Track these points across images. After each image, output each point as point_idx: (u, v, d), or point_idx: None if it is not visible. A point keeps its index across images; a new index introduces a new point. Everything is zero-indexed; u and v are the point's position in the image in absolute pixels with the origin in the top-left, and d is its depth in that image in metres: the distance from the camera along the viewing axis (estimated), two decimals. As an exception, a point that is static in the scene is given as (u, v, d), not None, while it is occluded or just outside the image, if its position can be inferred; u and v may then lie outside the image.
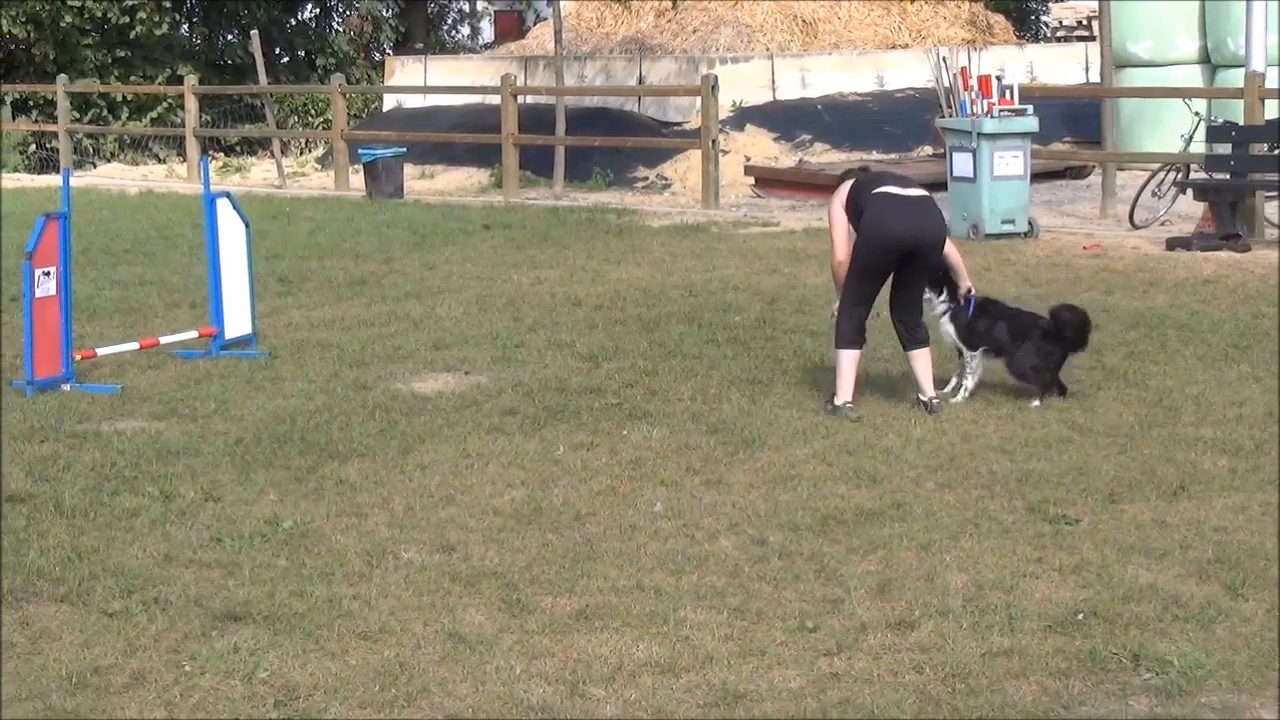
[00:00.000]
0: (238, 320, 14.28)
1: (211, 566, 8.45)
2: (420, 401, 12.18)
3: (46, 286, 12.77)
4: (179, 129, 35.53)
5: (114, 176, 34.94)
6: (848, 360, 11.76)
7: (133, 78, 40.49)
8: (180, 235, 22.10)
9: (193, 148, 33.34)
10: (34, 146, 39.24)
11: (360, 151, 29.21)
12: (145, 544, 8.81)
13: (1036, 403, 11.78)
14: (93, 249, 20.54)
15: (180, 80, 35.78)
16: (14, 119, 38.84)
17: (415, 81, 35.75)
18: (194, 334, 14.19)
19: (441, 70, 36.01)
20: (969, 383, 12.08)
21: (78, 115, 37.89)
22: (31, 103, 39.38)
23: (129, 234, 22.83)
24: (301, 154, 37.16)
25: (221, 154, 38.18)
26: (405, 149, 28.87)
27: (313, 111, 41.75)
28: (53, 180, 32.66)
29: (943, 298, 12.15)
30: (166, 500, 9.63)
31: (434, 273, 18.47)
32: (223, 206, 14.40)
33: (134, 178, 34.62)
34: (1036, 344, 11.87)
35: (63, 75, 36.39)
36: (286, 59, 44.92)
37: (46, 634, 7.50)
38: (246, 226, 14.63)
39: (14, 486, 9.96)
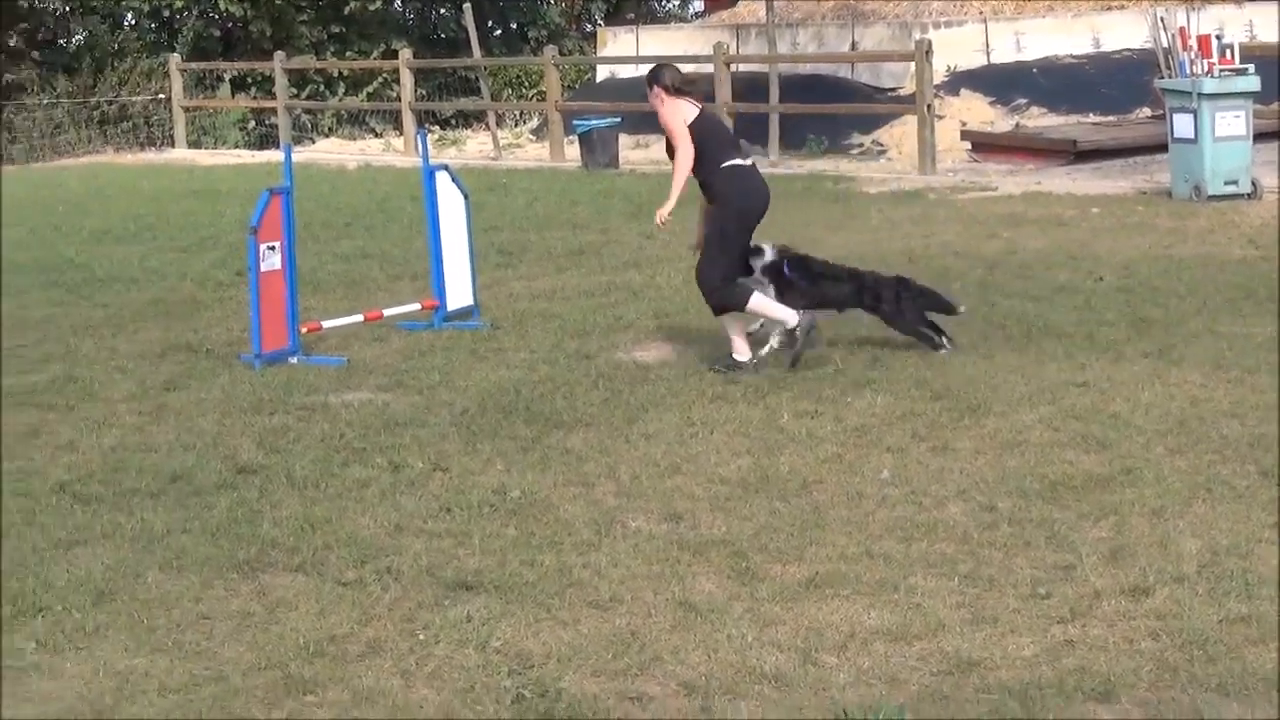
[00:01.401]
0: (459, 292, 14.39)
1: (441, 536, 8.51)
2: (643, 370, 12.20)
3: (272, 261, 12.95)
4: (395, 103, 35.88)
5: (332, 151, 35.39)
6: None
7: (348, 53, 41.00)
8: (399, 208, 22.32)
9: (409, 121, 33.65)
10: (253, 123, 39.87)
11: (575, 122, 29.31)
12: (376, 514, 8.90)
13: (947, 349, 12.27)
14: (314, 223, 20.79)
15: (395, 55, 36.11)
16: (233, 96, 39.48)
17: (627, 52, 35.77)
18: (417, 306, 14.33)
19: (653, 40, 36.00)
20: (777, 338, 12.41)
21: (295, 91, 38.41)
22: (250, 80, 39.99)
23: (349, 208, 23.11)
24: (516, 126, 37.34)
25: (437, 127, 38.52)
26: (620, 119, 28.90)
27: (526, 84, 41.98)
28: (272, 156, 33.19)
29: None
30: (395, 471, 9.73)
31: (652, 242, 18.48)
32: (442, 179, 14.51)
33: (351, 152, 35.04)
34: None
35: (280, 52, 36.89)
36: (499, 31, 45.21)
37: (283, 603, 7.60)
38: (466, 198, 14.74)
39: (245, 458, 10.12)
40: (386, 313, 14.07)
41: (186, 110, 37.83)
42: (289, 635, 7.18)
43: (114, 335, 14.32)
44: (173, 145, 37.66)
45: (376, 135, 38.94)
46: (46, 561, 8.25)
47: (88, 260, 18.91)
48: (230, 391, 11.96)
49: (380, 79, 40.26)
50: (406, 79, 33.90)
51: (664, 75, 12.37)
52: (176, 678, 6.74)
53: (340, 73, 40.50)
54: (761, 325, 12.51)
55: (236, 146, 38.18)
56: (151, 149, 37.89)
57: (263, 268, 12.83)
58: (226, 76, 39.58)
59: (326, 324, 13.68)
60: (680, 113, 12.22)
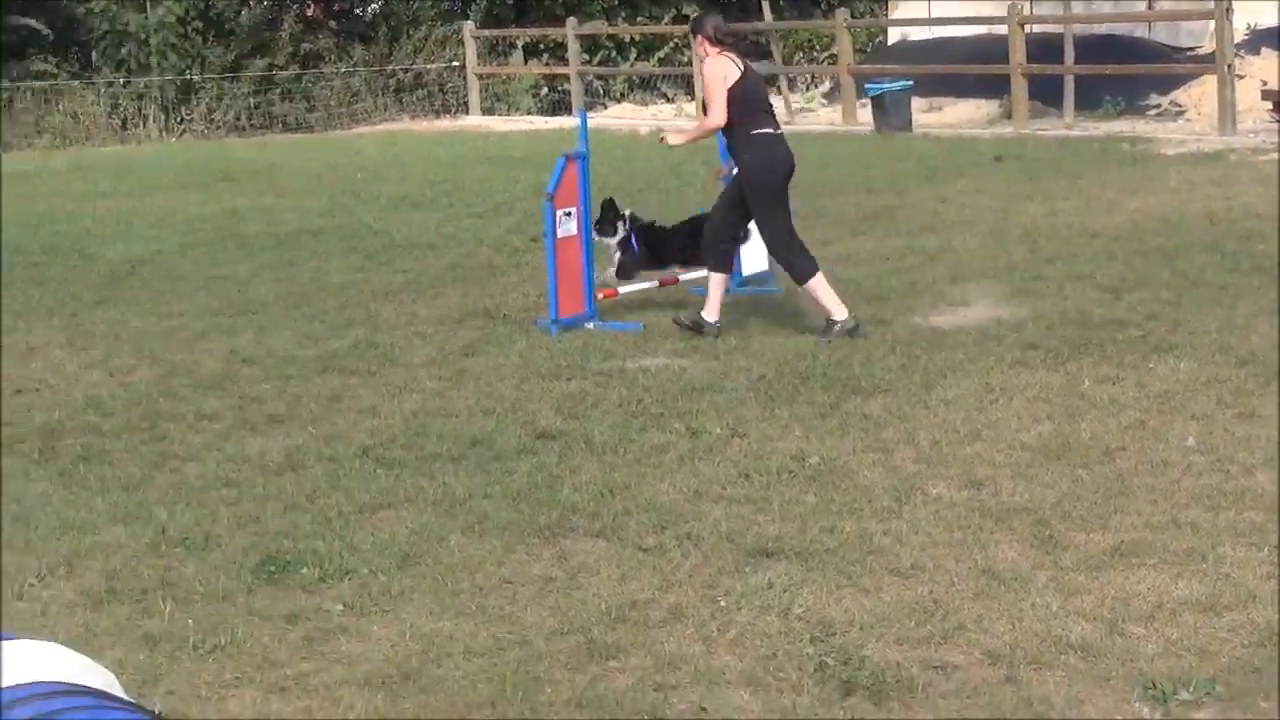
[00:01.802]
0: (755, 257, 14.36)
1: (740, 502, 8.50)
2: (940, 336, 12.08)
3: (568, 227, 13.04)
4: (686, 68, 35.96)
5: (623, 117, 35.59)
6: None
7: (640, 18, 41.16)
8: (693, 173, 22.34)
9: (699, 86, 33.68)
10: (545, 89, 40.22)
11: (867, 86, 29.15)
12: (675, 480, 8.92)
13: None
14: (608, 189, 20.81)
15: (686, 19, 36.13)
16: (525, 62, 39.87)
17: (920, 14, 35.43)
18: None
19: (946, 2, 35.61)
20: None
21: (587, 57, 38.67)
22: (542, 46, 40.34)
23: (642, 174, 23.21)
24: (807, 90, 37.22)
25: (728, 91, 38.46)
26: (912, 82, 28.68)
27: (817, 47, 41.79)
28: (564, 122, 33.45)
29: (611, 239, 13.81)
30: (694, 436, 9.74)
31: (947, 206, 18.30)
32: (737, 144, 14.47)
33: (643, 118, 35.21)
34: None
35: (572, 18, 37.17)
36: (789, -5, 45.08)
37: (584, 569, 7.64)
38: (760, 163, 14.67)
39: (544, 423, 10.21)
40: (682, 278, 14.09)
41: (480, 77, 38.31)
42: (591, 600, 7.21)
43: (413, 300, 14.54)
44: (467, 112, 38.17)
45: (668, 100, 39.07)
46: (351, 525, 8.39)
47: (386, 226, 19.23)
48: (528, 357, 12.07)
49: (671, 44, 40.36)
50: (697, 44, 33.88)
51: (706, 24, 12.56)
52: (481, 641, 6.81)
53: (632, 38, 40.68)
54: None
55: (529, 113, 38.56)
56: (446, 116, 38.45)
57: (559, 234, 12.93)
58: (519, 43, 39.98)
59: (623, 290, 13.75)
60: (722, 70, 12.34)
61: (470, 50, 38.06)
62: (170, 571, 7.77)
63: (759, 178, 12.38)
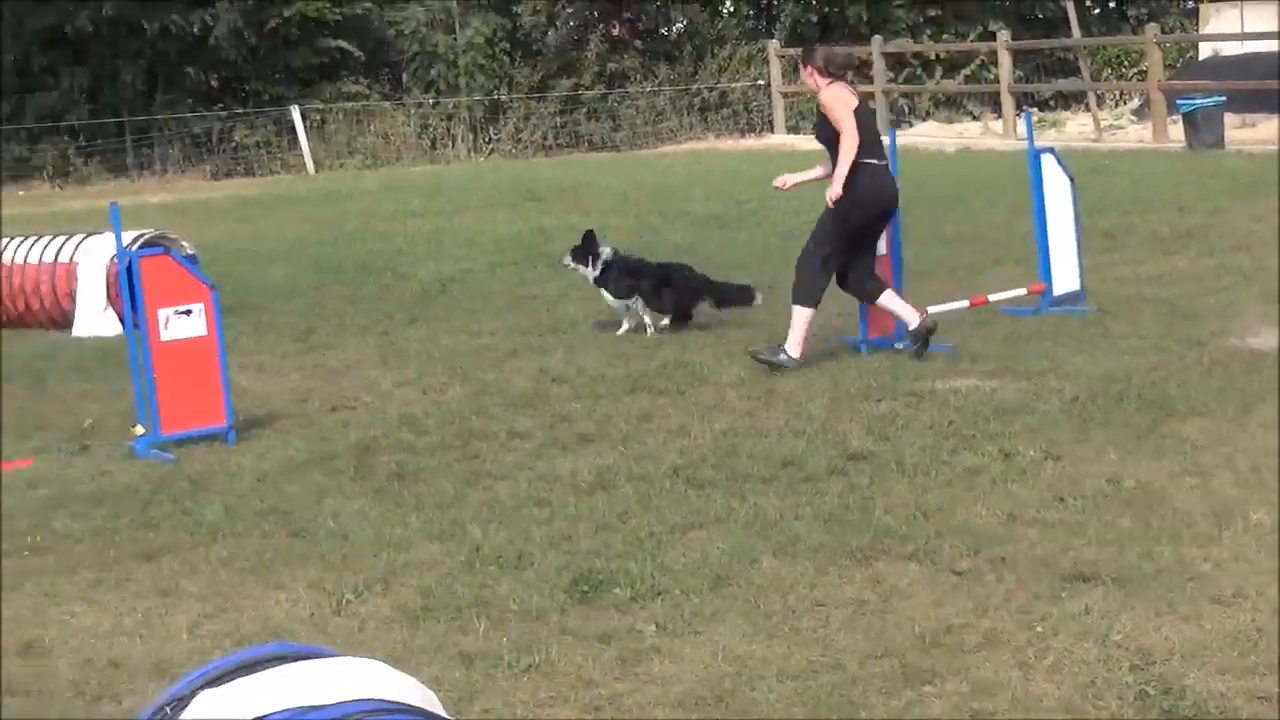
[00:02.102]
0: (1065, 276, 14.15)
1: (1055, 526, 8.35)
2: (1257, 358, 11.76)
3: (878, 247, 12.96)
4: (993, 85, 35.61)
5: (929, 135, 35.33)
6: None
7: (945, 36, 40.86)
8: (1000, 192, 22.10)
9: (1007, 104, 33.35)
10: (851, 108, 40.03)
11: (1178, 102, 28.55)
12: (988, 502, 8.79)
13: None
14: (914, 207, 20.70)
15: (993, 37, 35.82)
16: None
17: (1232, 28, 34.64)
18: (1022, 291, 14.14)
19: (1260, 16, 34.77)
20: (647, 319, 14.33)
21: (892, 75, 38.47)
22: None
23: (949, 192, 23.00)
24: (1116, 106, 36.61)
25: (1035, 109, 38.03)
26: (1224, 98, 28.02)
27: (1126, 63, 41.09)
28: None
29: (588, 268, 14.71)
30: (1006, 459, 9.60)
31: (1262, 224, 17.84)
32: (1047, 162, 14.30)
33: (949, 135, 34.91)
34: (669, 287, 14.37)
35: (877, 36, 37.01)
36: (1098, 10, 44.40)
37: (897, 592, 7.57)
38: (1071, 181, 14.48)
39: (855, 444, 10.14)
40: (991, 298, 13.93)
41: (785, 96, 38.31)
42: (904, 624, 7.14)
43: (722, 320, 14.55)
44: (771, 130, 38.20)
45: (974, 118, 38.71)
46: (663, 545, 8.40)
47: (693, 245, 19.29)
48: (838, 377, 12.01)
49: (977, 61, 39.98)
50: (1004, 61, 33.59)
51: (816, 55, 12.64)
52: (794, 664, 6.78)
53: (937, 55, 40.39)
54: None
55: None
56: (750, 135, 38.52)
57: (869, 253, 12.85)
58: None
59: (931, 309, 13.61)
60: (842, 96, 12.40)
61: (775, 68, 38.09)
62: (484, 590, 7.86)
63: (845, 206, 12.37)
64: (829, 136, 12.53)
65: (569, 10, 41.13)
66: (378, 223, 24.04)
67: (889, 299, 12.61)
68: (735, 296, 14.52)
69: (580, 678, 6.74)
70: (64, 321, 16.25)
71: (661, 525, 8.73)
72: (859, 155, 12.31)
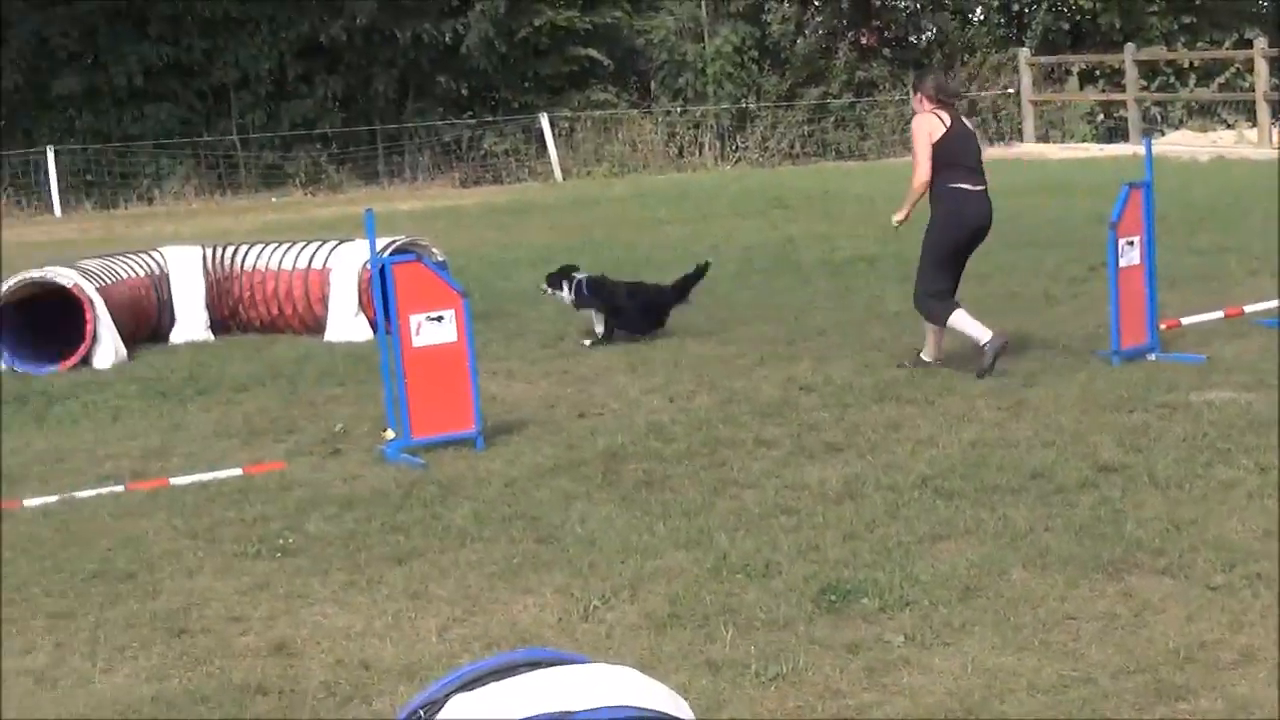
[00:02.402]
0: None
1: (1312, 543, 8.15)
2: None
3: (1130, 256, 12.75)
4: (1248, 93, 34.90)
5: (1182, 144, 34.69)
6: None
7: (1199, 43, 40.13)
8: (1255, 202, 21.66)
9: (1263, 112, 32.67)
10: (1101, 116, 39.55)
11: None
12: (1243, 517, 8.61)
13: None
14: (1168, 217, 20.39)
15: (1249, 44, 35.10)
16: (1080, 89, 39.28)
17: None
18: (1277, 303, 13.83)
19: None
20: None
21: (1145, 83, 37.86)
22: (1098, 72, 39.69)
23: (1202, 201, 22.60)
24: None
25: (1292, 117, 37.27)
26: None
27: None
28: (1120, 150, 32.79)
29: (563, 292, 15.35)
30: (1262, 473, 9.39)
31: None
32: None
33: (1202, 144, 34.26)
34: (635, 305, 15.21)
35: (1130, 44, 36.45)
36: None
37: (1150, 606, 7.44)
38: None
39: (1106, 456, 9.98)
40: (1246, 309, 13.65)
41: (1035, 104, 37.89)
42: (1157, 639, 7.01)
43: (969, 330, 14.41)
44: (1020, 139, 37.78)
45: (1228, 126, 37.96)
46: (911, 555, 8.33)
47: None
48: (1088, 388, 11.84)
49: (1233, 69, 39.20)
50: (1260, 68, 32.90)
51: (927, 83, 12.94)
52: (1045, 677, 6.69)
53: (1191, 63, 39.68)
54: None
55: (1084, 140, 37.96)
56: (1000, 143, 38.13)
57: (1121, 263, 12.66)
58: (1075, 70, 39.41)
59: (1185, 320, 13.39)
60: (927, 127, 12.59)
61: (1025, 77, 37.69)
62: (731, 598, 7.85)
63: (939, 230, 12.74)
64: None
65: (818, 19, 41.05)
66: (625, 230, 24.15)
67: (960, 318, 12.74)
68: (694, 278, 15.41)
69: (828, 688, 6.71)
70: (316, 327, 16.53)
71: (910, 535, 8.66)
72: (948, 179, 12.62)
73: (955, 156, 12.68)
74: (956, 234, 12.75)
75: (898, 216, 13.15)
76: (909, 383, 12.37)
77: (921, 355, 12.94)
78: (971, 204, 12.72)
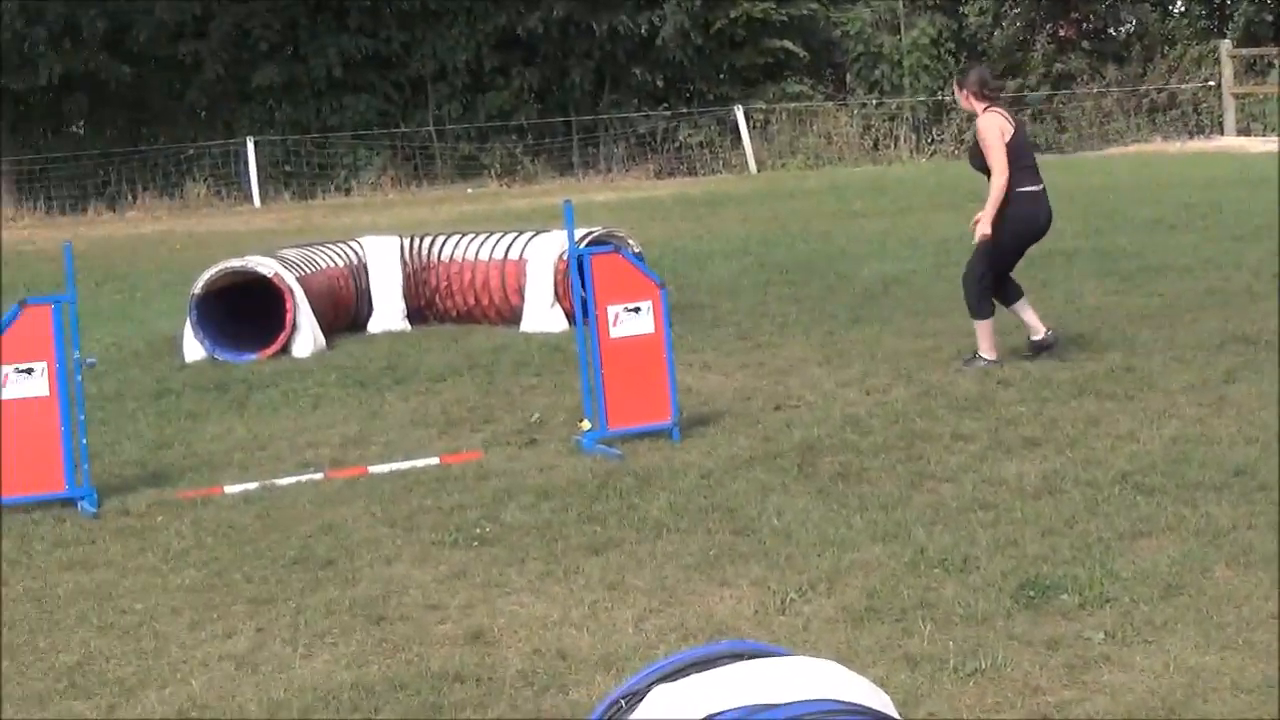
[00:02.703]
0: None
1: None
2: None
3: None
4: None
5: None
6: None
7: None
8: None
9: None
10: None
11: None
12: None
13: None
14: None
15: None
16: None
17: None
18: None
19: None
20: None
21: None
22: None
23: None
24: None
25: None
26: None
27: None
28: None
29: None
30: None
31: None
32: None
33: None
34: None
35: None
36: None
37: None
38: None
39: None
40: None
41: (1236, 97, 37.26)
42: (1366, 642, 6.86)
43: (1170, 325, 14.21)
44: (1221, 133, 37.19)
45: None
46: (1111, 552, 8.22)
47: (1140, 248, 18.91)
48: (1293, 384, 11.63)
49: None
50: None
51: (971, 78, 12.71)
52: (1249, 677, 6.57)
53: (1399, 53, 38.87)
54: None
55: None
56: (1199, 136, 37.57)
57: (1328, 257, 12.44)
58: (1277, 62, 38.72)
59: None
60: (999, 125, 12.42)
61: (1226, 69, 37.09)
62: (929, 592, 7.79)
63: (1011, 234, 12.67)
64: (983, 164, 12.69)
65: (1015, 10, 40.66)
66: (820, 222, 24.09)
67: (1022, 307, 13.03)
68: None
69: (1027, 684, 6.63)
70: (512, 317, 16.63)
71: (1109, 531, 8.54)
72: (1015, 183, 12.46)
73: (1022, 157, 12.64)
74: (1026, 238, 12.87)
75: (984, 229, 12.71)
76: (1108, 377, 12.21)
77: (982, 355, 12.95)
78: (1042, 206, 12.76)
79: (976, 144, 12.83)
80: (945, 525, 8.82)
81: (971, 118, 13.28)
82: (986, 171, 12.63)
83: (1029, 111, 38.74)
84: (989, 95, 12.75)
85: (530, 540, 9.08)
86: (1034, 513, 8.96)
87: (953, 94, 13.22)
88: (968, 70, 13.23)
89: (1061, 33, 40.38)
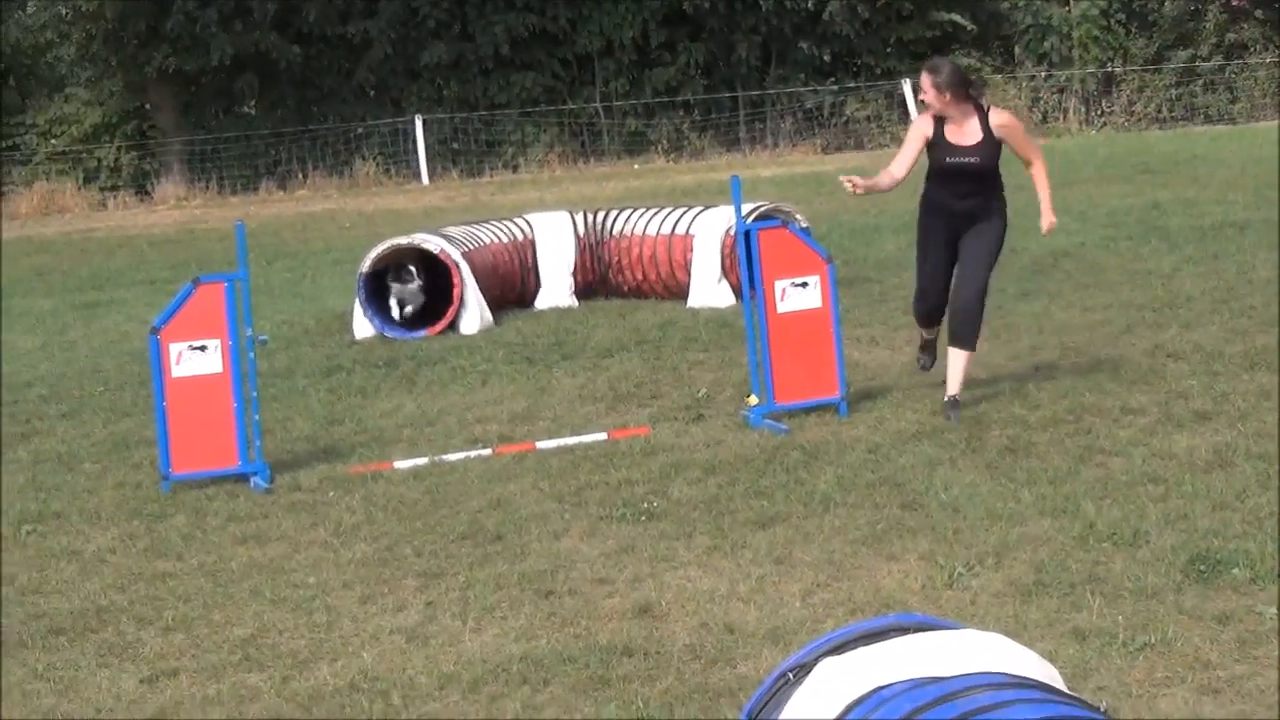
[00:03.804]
0: None
1: None
2: None
3: None
4: None
5: None
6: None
7: None
8: None
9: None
10: None
11: None
12: None
13: None
14: None
15: None
16: None
17: None
18: None
19: None
20: None
21: None
22: None
23: None
24: None
25: None
26: None
27: None
28: None
29: None
30: None
31: None
32: None
33: None
34: None
35: None
36: None
37: None
38: None
39: None
40: None
41: None
42: None
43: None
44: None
45: None
46: (1285, 526, 8.14)
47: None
48: None
49: None
50: None
51: (945, 73, 11.09)
52: None
53: None
54: None
55: None
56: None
57: None
58: None
59: None
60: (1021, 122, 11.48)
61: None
62: (1098, 566, 7.73)
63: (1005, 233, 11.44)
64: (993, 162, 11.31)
65: (1186, -21, 40.14)
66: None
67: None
68: None
69: (1197, 658, 6.57)
70: (679, 292, 16.66)
71: (1282, 506, 8.45)
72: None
73: None
74: None
75: (1051, 219, 11.64)
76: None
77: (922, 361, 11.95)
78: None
79: (992, 140, 11.17)
80: (1114, 499, 8.75)
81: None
82: (991, 174, 11.32)
83: (1200, 82, 38.19)
84: (970, 95, 11.20)
85: (697, 515, 9.11)
86: (1204, 486, 8.86)
87: (923, 92, 11.23)
88: (942, 65, 11.24)
89: (1234, 2, 39.76)
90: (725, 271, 16.21)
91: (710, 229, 16.51)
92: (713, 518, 9.03)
